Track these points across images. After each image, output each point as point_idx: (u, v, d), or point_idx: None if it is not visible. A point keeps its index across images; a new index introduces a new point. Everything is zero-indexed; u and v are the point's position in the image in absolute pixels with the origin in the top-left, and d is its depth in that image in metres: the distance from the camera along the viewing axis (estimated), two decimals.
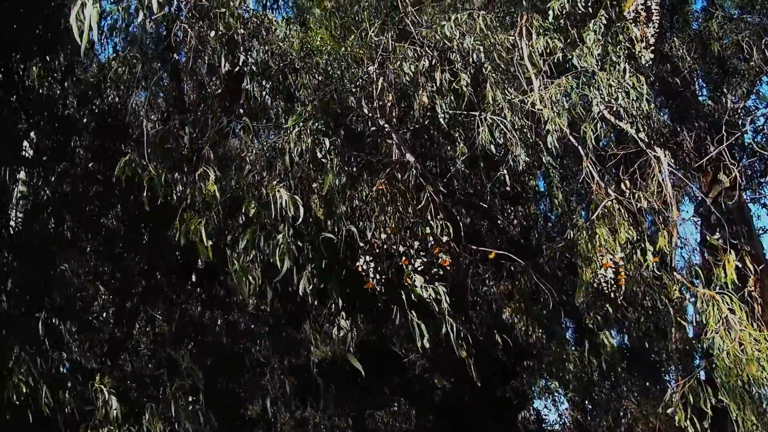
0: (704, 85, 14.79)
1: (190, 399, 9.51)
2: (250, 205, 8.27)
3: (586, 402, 18.51)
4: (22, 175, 10.49)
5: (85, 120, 10.65)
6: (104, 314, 12.18)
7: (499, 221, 14.37)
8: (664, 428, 15.67)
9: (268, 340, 12.61)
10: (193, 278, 12.63)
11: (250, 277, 7.91)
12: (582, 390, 16.48)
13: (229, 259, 8.20)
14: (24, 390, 7.86)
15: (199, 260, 10.56)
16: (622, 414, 18.02)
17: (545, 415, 20.40)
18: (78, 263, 10.80)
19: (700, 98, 14.79)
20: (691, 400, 8.85)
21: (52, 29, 9.89)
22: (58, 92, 10.43)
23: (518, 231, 14.67)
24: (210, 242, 7.95)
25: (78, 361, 9.64)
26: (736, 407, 8.54)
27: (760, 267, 10.99)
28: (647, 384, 16.52)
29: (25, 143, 10.50)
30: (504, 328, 13.90)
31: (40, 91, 10.20)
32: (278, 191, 8.13)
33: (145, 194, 8.37)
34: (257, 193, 8.51)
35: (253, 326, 13.00)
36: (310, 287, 8.09)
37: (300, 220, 8.00)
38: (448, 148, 12.88)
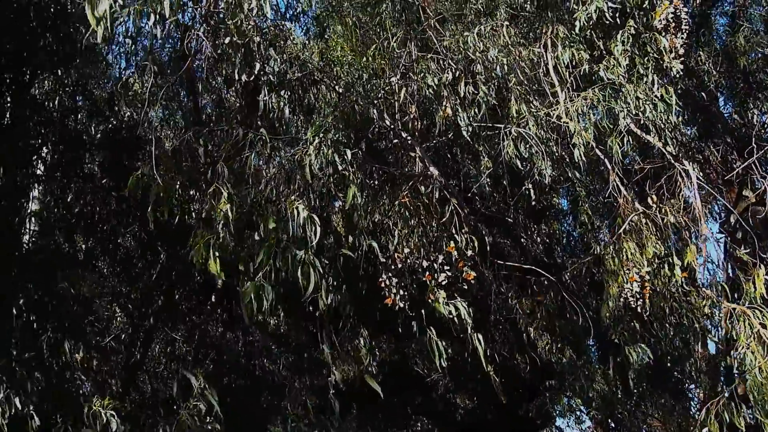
0: (729, 101, 13.89)
1: (207, 419, 8.66)
2: (266, 221, 7.45)
3: (609, 420, 17.61)
4: (35, 192, 9.73)
5: (98, 135, 9.89)
6: (122, 336, 11.44)
7: (522, 239, 13.56)
8: None
9: (288, 359, 11.80)
10: (213, 298, 11.86)
11: (262, 297, 7.03)
12: (605, 408, 15.59)
13: (240, 278, 7.36)
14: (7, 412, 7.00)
15: (218, 279, 9.76)
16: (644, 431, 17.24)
17: None
18: (92, 282, 10.04)
19: (725, 114, 13.93)
20: (727, 418, 8.28)
21: (63, 42, 9.16)
22: (71, 107, 9.67)
23: (542, 249, 13.88)
24: (216, 256, 7.14)
25: (82, 383, 8.81)
26: None
27: None
28: (672, 402, 15.61)
29: (37, 159, 9.71)
30: (527, 346, 13.19)
31: (52, 105, 9.44)
32: (297, 207, 7.31)
33: (149, 209, 7.57)
34: (275, 209, 7.71)
35: (273, 346, 12.19)
36: (326, 306, 7.26)
37: (317, 238, 7.16)
38: (471, 166, 12.19)
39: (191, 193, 8.44)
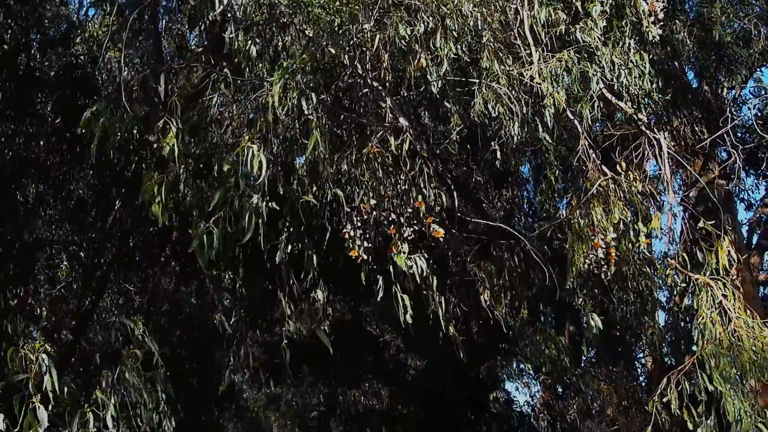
0: (700, 73, 13.25)
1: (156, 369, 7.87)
2: (222, 163, 6.67)
3: (557, 386, 17.20)
4: None
5: (52, 74, 8.92)
6: (74, 285, 10.62)
7: (483, 204, 12.97)
8: (635, 412, 14.60)
9: (241, 314, 11.07)
10: (167, 250, 11.09)
11: (212, 243, 6.24)
12: (556, 373, 15.12)
13: (194, 222, 6.58)
14: None
15: (173, 232, 8.96)
16: (591, 397, 16.89)
17: (515, 397, 19.34)
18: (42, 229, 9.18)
19: (694, 85, 13.40)
20: (687, 388, 7.81)
21: None
22: (23, 41, 8.68)
23: (502, 215, 13.32)
24: (167, 201, 6.36)
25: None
26: (731, 394, 7.50)
27: (742, 257, 10.23)
28: (624, 369, 15.24)
29: None
30: (485, 309, 12.68)
31: (2, 39, 8.47)
32: (249, 146, 6.51)
33: (93, 144, 6.73)
34: (234, 152, 6.92)
35: (227, 300, 11.45)
36: (286, 255, 6.51)
37: (264, 172, 6.37)
38: (439, 126, 11.53)
39: (148, 138, 7.65)
